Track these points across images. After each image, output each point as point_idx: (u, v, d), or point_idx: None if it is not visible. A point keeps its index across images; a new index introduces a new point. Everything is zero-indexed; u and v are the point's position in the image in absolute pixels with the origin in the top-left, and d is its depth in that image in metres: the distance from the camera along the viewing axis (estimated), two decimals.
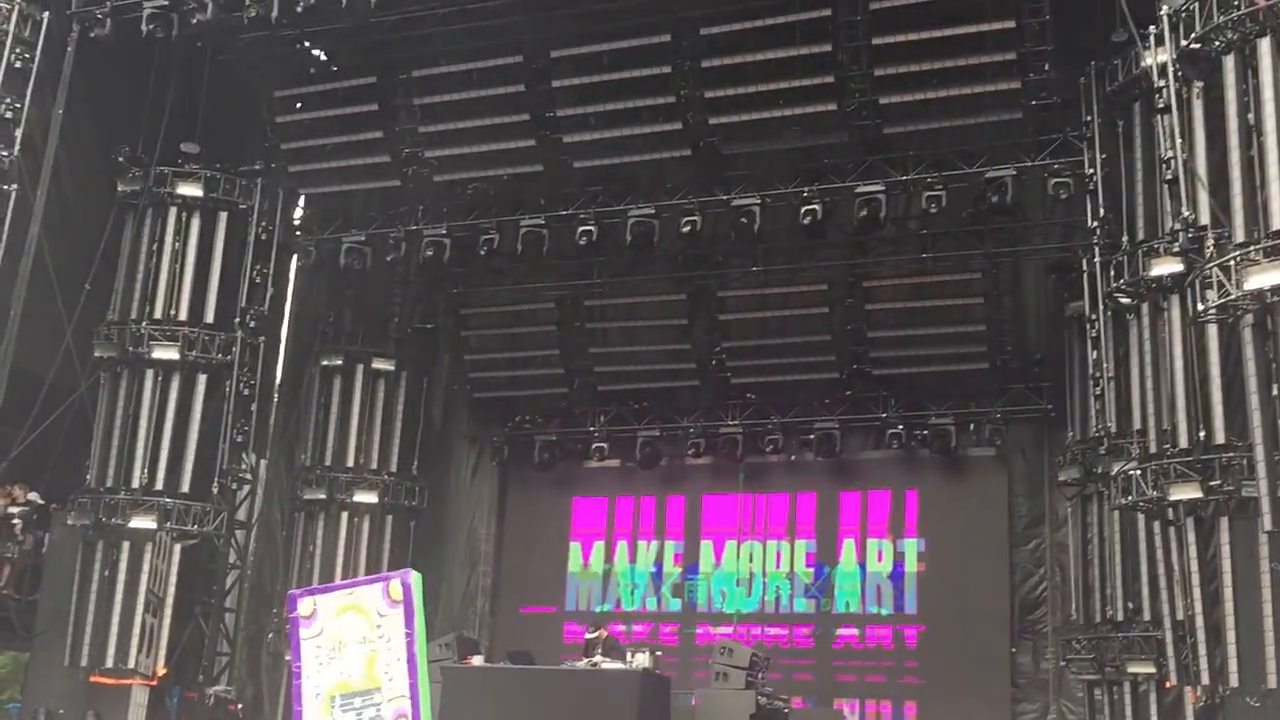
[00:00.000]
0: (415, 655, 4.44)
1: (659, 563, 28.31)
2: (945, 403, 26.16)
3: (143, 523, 25.07)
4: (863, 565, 26.78)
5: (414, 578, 4.74)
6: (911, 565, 26.47)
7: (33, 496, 26.32)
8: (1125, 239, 21.81)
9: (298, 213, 29.20)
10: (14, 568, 26.11)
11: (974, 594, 25.80)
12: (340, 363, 28.84)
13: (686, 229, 25.28)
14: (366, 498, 28.14)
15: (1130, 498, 20.98)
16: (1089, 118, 22.84)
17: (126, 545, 25.27)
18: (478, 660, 19.70)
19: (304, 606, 4.56)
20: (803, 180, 24.76)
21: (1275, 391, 17.59)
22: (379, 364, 28.93)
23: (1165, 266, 20.40)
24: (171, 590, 25.46)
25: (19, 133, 24.12)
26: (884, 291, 26.36)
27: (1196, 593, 19.62)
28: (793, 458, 27.46)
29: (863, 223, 24.56)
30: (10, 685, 36.22)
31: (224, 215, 26.84)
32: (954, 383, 25.97)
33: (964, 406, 26.10)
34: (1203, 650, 19.46)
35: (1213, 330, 19.43)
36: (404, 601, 4.48)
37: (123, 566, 25.17)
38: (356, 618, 4.52)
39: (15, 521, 26.01)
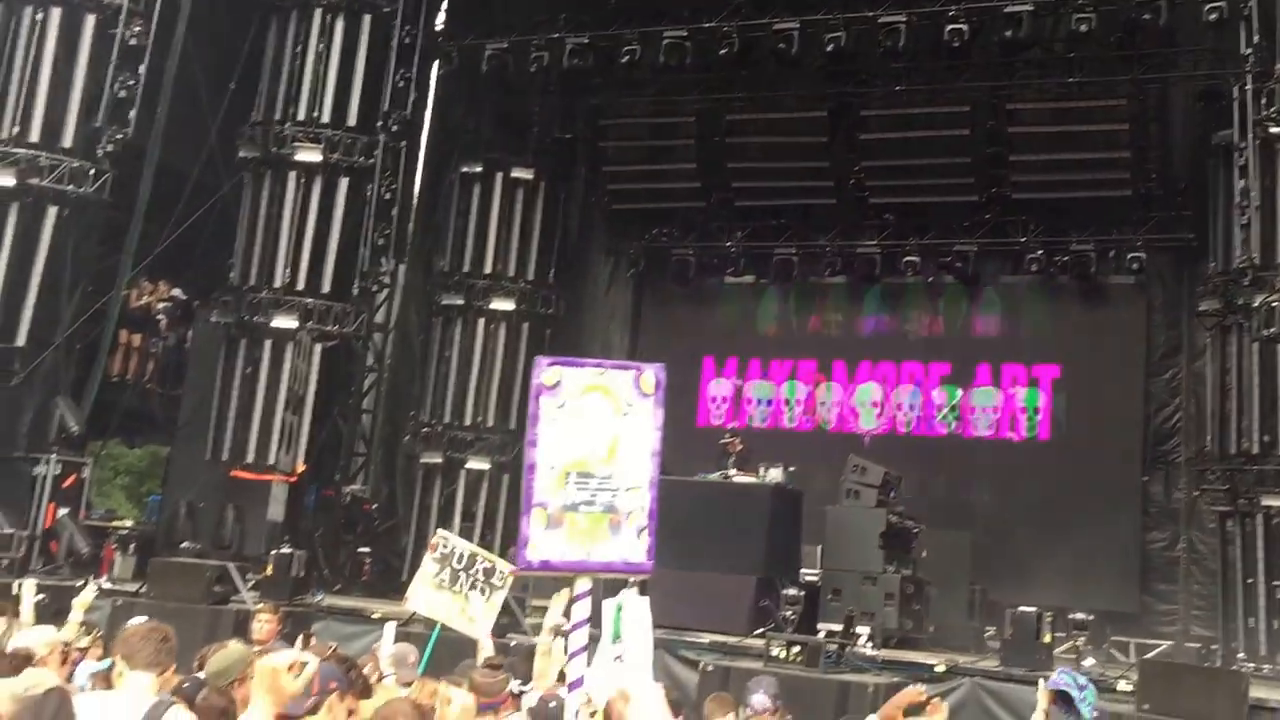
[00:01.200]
0: (660, 451, 4.56)
1: (792, 380, 28.64)
2: (1086, 229, 26.11)
3: (284, 322, 25.54)
4: (998, 390, 27.02)
5: (664, 375, 4.84)
6: (1045, 391, 26.71)
7: (176, 292, 27.53)
8: (1278, 66, 21.32)
9: (441, 17, 29.23)
10: (158, 362, 27.36)
11: (1108, 422, 26.07)
12: (480, 170, 29.10)
13: (830, 45, 25.13)
14: (503, 304, 28.55)
15: (1272, 329, 20.85)
16: None
17: (268, 343, 25.66)
18: None
19: (549, 375, 4.62)
20: None
21: None
22: (518, 173, 29.07)
23: None
24: (311, 390, 25.81)
25: None
26: (1027, 115, 26.18)
27: None
28: (930, 280, 27.55)
29: (1008, 44, 24.44)
30: (149, 479, 37.86)
31: (368, 17, 26.84)
32: (1095, 209, 25.88)
33: (1105, 233, 26.05)
34: None
35: None
36: (654, 395, 4.66)
37: (264, 364, 25.61)
38: (603, 399, 4.59)
39: (160, 317, 27.19)
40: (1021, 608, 18.38)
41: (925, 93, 26.87)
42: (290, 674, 5.28)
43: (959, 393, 27.35)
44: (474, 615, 10.18)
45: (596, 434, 4.49)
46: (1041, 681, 8.89)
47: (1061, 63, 25.90)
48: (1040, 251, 26.36)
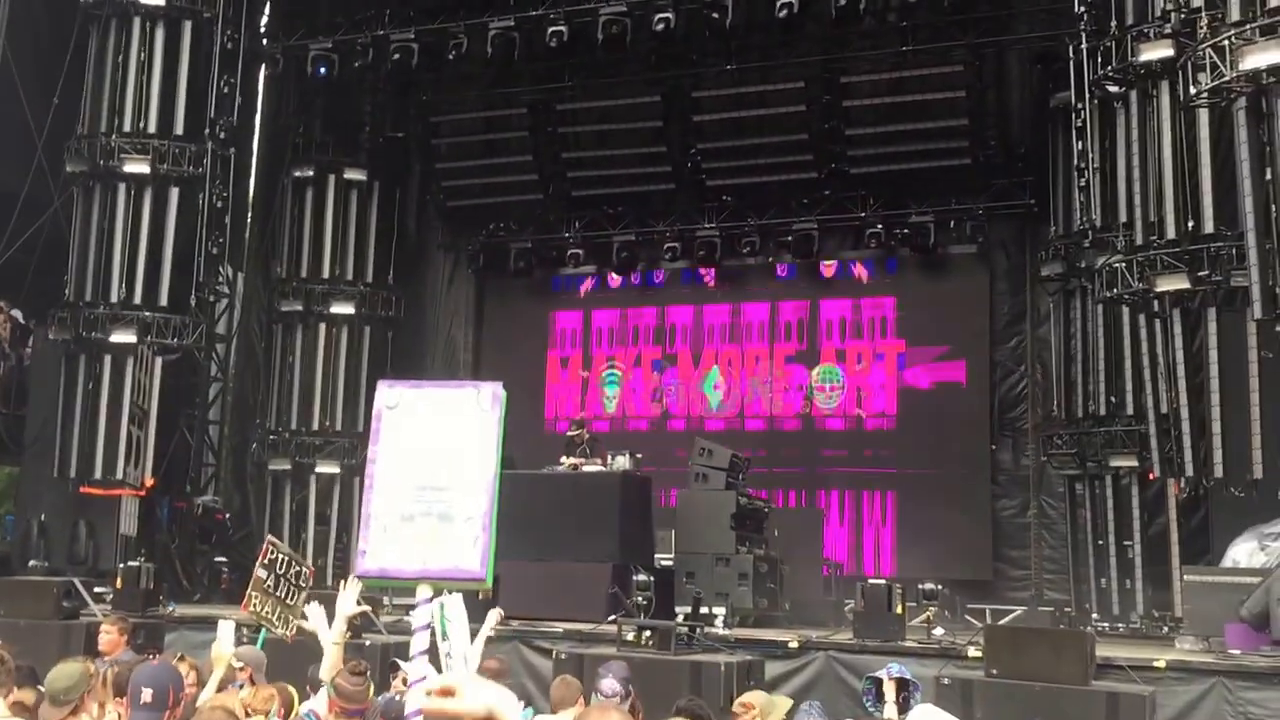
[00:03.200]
0: (494, 465, 4.32)
1: (636, 369, 27.25)
2: (926, 200, 24.73)
3: (123, 336, 24.06)
4: (843, 367, 25.70)
5: (503, 392, 4.54)
6: (892, 364, 25.38)
7: (15, 313, 25.93)
8: (1114, 24, 19.87)
9: (264, 21, 27.64)
10: (1, 384, 25.76)
11: (954, 392, 24.84)
12: (312, 174, 27.59)
13: (659, 27, 23.45)
14: (343, 309, 27.15)
15: (1115, 291, 19.60)
16: None
17: (108, 359, 24.20)
18: None
19: (390, 397, 4.44)
20: None
21: (1268, 176, 16.43)
22: (351, 174, 27.62)
23: (1155, 51, 18.57)
24: (155, 403, 24.47)
25: None
26: (862, 87, 24.76)
27: (1182, 385, 18.39)
28: (770, 259, 26.15)
29: (840, 15, 22.74)
30: (3, 500, 36.13)
31: (188, 24, 25.12)
32: (935, 180, 24.44)
33: (944, 204, 24.65)
34: (1187, 443, 18.27)
35: (1204, 116, 17.76)
36: (493, 411, 4.37)
37: (106, 380, 24.16)
38: (443, 416, 4.36)
39: (3, 338, 25.66)
40: (871, 580, 17.71)
41: (758, 71, 25.36)
42: None
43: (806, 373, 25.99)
44: (290, 617, 10.06)
45: (434, 449, 4.35)
46: (885, 673, 9.76)
47: (895, 32, 24.52)
48: (880, 226, 25.02)
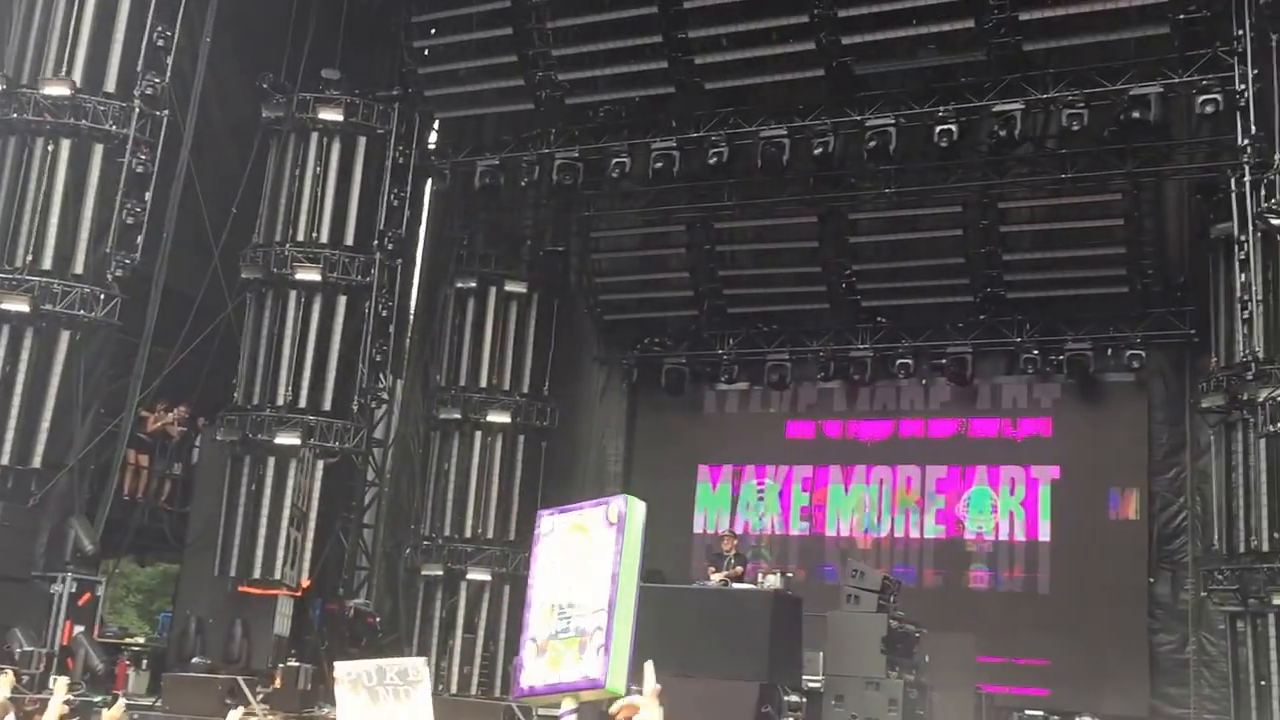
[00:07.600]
0: (618, 573, 4.32)
1: (787, 487, 26.13)
2: (1082, 327, 23.61)
3: (287, 439, 24.26)
4: (995, 491, 24.42)
5: (633, 504, 4.43)
6: (1045, 492, 24.02)
7: (180, 410, 25.95)
8: (1277, 157, 19.01)
9: (433, 137, 27.73)
10: (170, 482, 25.93)
11: (1110, 522, 23.41)
12: (474, 285, 27.23)
13: (819, 150, 22.90)
14: (499, 418, 26.58)
15: (1279, 424, 18.49)
16: (1240, 31, 19.99)
17: (272, 461, 24.40)
18: None
19: (545, 525, 4.52)
20: (938, 100, 22.20)
21: None
22: (511, 286, 27.21)
23: None
24: (315, 505, 24.53)
25: (169, 60, 23.20)
26: (1020, 213, 23.86)
27: None
28: (924, 382, 25.08)
29: (999, 143, 22.08)
30: (160, 596, 36.55)
31: (363, 140, 25.62)
32: (1092, 306, 23.40)
33: (1102, 331, 23.48)
34: None
35: None
36: (618, 524, 4.35)
37: (268, 481, 24.36)
38: (581, 536, 4.43)
39: (175, 437, 25.86)
40: (1029, 710, 17.28)
41: (915, 194, 24.44)
42: None
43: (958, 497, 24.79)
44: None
45: (574, 569, 4.40)
46: None
47: (1053, 159, 23.47)
48: (1035, 351, 23.90)
